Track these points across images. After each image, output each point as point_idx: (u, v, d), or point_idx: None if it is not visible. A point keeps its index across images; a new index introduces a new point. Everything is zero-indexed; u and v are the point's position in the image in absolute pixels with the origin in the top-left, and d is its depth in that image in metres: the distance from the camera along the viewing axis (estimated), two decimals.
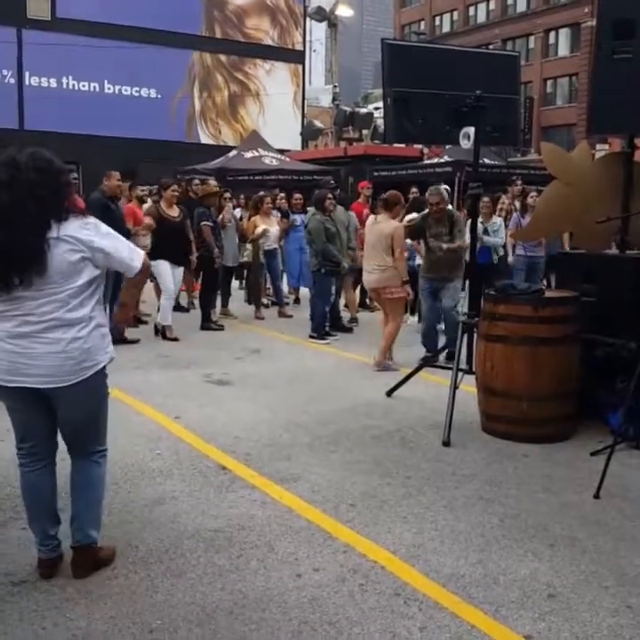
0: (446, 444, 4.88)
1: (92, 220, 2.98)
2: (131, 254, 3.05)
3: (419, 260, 9.02)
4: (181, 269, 8.79)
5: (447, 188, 11.63)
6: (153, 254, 7.59)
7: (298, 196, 11.60)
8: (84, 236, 2.89)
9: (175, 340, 8.34)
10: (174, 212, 8.60)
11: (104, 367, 3.06)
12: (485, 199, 9.07)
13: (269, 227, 10.13)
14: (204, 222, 9.16)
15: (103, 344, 3.04)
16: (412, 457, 4.69)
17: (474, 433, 5.15)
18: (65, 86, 26.27)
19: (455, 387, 5.19)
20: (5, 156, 2.87)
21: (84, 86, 26.57)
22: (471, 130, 5.34)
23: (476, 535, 3.59)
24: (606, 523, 3.76)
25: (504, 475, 4.39)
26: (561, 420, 5.05)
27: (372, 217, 7.45)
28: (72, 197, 3.01)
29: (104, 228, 3.00)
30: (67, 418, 3.07)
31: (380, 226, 7.01)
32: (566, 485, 4.24)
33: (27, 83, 25.68)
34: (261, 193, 10.79)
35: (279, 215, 10.96)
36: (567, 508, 3.92)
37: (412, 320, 9.88)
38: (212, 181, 11.38)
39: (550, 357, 4.92)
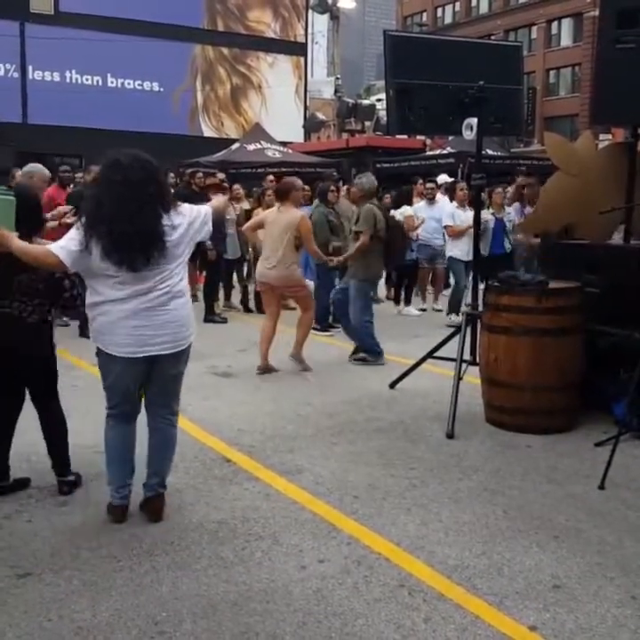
0: (450, 435, 4.88)
1: (179, 203, 3.50)
2: (203, 208, 3.62)
3: (454, 251, 9.02)
4: None
5: (446, 178, 11.62)
6: None
7: (305, 187, 11.51)
8: (188, 217, 3.45)
9: None
10: None
11: None
12: (499, 189, 9.10)
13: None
14: None
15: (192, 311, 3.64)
16: (416, 449, 4.69)
17: (477, 424, 5.15)
18: (68, 80, 26.25)
19: (459, 378, 5.19)
20: (111, 159, 3.34)
21: (87, 80, 26.55)
22: (474, 121, 5.31)
23: (481, 526, 3.59)
24: (611, 514, 3.75)
25: (508, 466, 4.39)
26: (565, 411, 5.04)
27: (274, 208, 6.95)
28: (170, 191, 3.62)
29: (184, 205, 3.54)
30: (166, 377, 3.55)
31: (284, 216, 6.54)
32: (571, 476, 4.24)
33: (30, 77, 25.67)
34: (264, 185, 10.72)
35: None
36: (572, 499, 3.92)
37: (408, 309, 9.90)
38: (220, 174, 11.37)
39: (554, 348, 4.91)
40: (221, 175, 11.37)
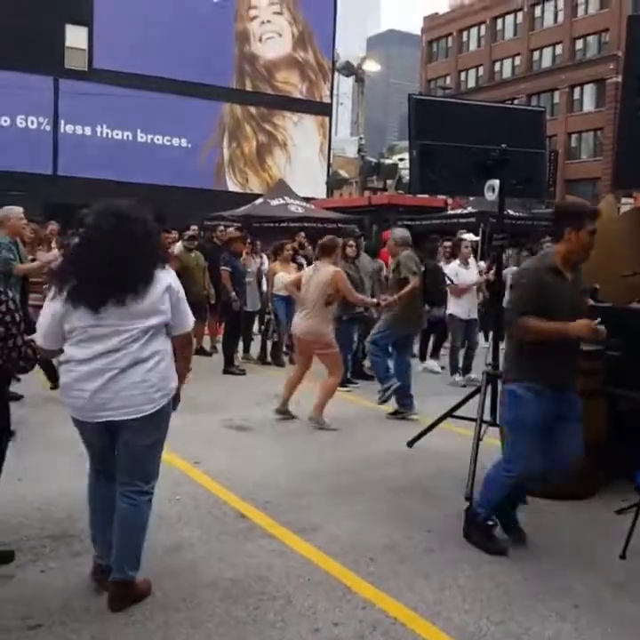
0: (469, 498, 4.79)
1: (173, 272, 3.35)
2: (190, 314, 3.39)
3: (456, 309, 9.07)
4: None
5: (471, 237, 11.65)
6: None
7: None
8: (175, 285, 3.26)
9: None
10: None
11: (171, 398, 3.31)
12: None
13: (287, 273, 10.07)
14: (223, 267, 9.33)
15: (171, 373, 3.31)
16: (434, 510, 4.62)
17: None
18: (99, 134, 27.01)
19: (479, 439, 5.13)
20: (105, 208, 3.25)
21: (117, 135, 27.31)
22: (496, 182, 5.37)
23: (500, 593, 3.51)
24: (632, 584, 3.66)
25: (528, 532, 4.29)
26: (585, 477, 4.95)
27: (311, 267, 7.24)
28: (165, 247, 3.38)
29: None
30: (132, 448, 3.22)
31: (320, 273, 6.76)
32: (591, 544, 4.15)
33: (62, 130, 26.43)
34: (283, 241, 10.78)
35: (305, 262, 10.94)
36: (592, 568, 3.83)
37: (431, 363, 9.85)
38: (230, 228, 11.57)
39: None
40: (231, 229, 11.59)
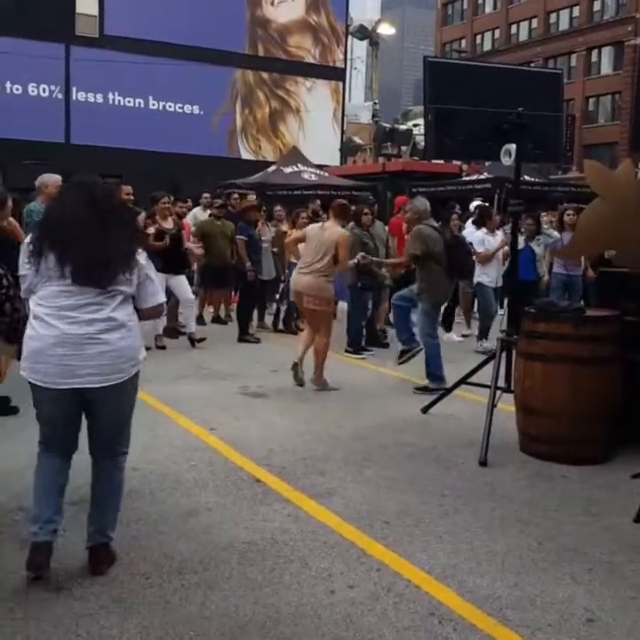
0: (483, 463, 4.81)
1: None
2: (158, 292, 3.34)
3: (483, 277, 9.03)
4: (182, 277, 8.78)
5: (482, 203, 11.51)
6: None
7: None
8: (143, 261, 3.23)
9: (202, 340, 8.73)
10: (168, 223, 8.67)
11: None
12: (529, 221, 9.13)
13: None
14: (239, 236, 9.32)
15: (140, 344, 3.26)
16: (448, 476, 4.64)
17: (512, 453, 5.07)
18: (111, 102, 26.87)
19: (493, 405, 5.13)
20: (77, 184, 3.20)
21: (129, 102, 27.15)
22: (512, 147, 5.30)
23: (513, 557, 3.53)
24: None
25: (542, 496, 4.32)
26: (601, 442, 4.95)
27: (317, 225, 7.28)
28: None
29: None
30: (102, 415, 3.19)
31: (329, 232, 6.77)
32: (606, 508, 4.16)
33: (74, 98, 26.31)
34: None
35: None
36: (606, 532, 3.84)
37: (448, 336, 9.82)
38: (251, 196, 11.51)
39: (591, 377, 4.83)
40: (251, 196, 11.54)
